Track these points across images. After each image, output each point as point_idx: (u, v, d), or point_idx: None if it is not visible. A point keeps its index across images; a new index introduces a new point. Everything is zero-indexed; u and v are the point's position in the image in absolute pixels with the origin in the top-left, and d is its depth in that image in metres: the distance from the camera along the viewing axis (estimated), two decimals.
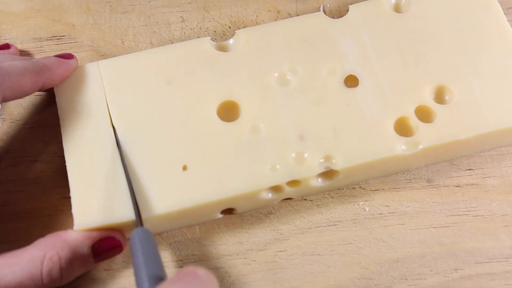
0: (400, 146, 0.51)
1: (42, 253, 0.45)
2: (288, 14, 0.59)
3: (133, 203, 0.48)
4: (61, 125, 0.51)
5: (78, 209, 0.48)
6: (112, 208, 0.48)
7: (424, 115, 0.52)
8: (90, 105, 0.52)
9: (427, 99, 0.53)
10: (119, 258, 0.50)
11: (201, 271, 0.41)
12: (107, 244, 0.48)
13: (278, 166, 0.50)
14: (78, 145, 0.51)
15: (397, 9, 0.56)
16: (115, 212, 0.48)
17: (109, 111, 0.52)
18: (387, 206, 0.53)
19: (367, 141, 0.51)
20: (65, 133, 0.51)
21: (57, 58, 0.53)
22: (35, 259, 0.45)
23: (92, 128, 0.51)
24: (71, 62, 0.53)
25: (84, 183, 0.49)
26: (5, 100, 0.49)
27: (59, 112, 0.52)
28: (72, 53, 0.54)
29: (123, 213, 0.48)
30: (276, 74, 0.53)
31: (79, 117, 0.51)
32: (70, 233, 0.47)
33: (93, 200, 0.49)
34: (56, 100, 0.52)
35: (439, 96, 0.53)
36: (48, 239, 0.47)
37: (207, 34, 0.59)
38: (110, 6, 0.60)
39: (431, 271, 0.50)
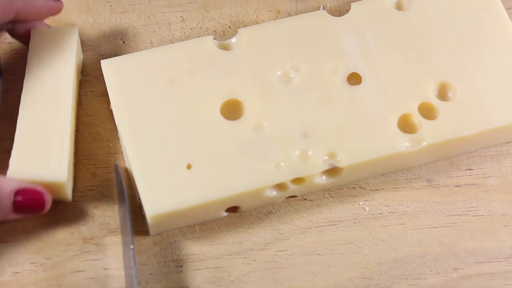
0: (403, 143, 0.51)
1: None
2: (288, 14, 0.59)
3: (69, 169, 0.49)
4: (26, 72, 0.52)
5: (16, 160, 0.49)
6: (48, 167, 0.49)
7: (427, 112, 0.52)
8: (59, 59, 0.52)
9: (430, 96, 0.53)
10: (118, 258, 0.50)
11: None
12: (30, 194, 0.48)
13: (282, 164, 0.50)
14: (36, 99, 0.51)
15: (399, 6, 0.56)
16: (49, 171, 0.49)
17: (112, 110, 0.52)
18: (387, 206, 0.53)
19: (371, 138, 0.51)
20: (27, 83, 0.51)
21: None
22: None
23: (53, 85, 0.51)
24: (52, 1, 0.52)
25: (30, 137, 0.50)
26: None
27: (29, 57, 0.52)
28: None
29: (56, 174, 0.49)
30: (279, 72, 0.53)
31: (45, 70, 0.52)
32: (2, 177, 0.48)
33: (33, 154, 0.49)
34: (30, 43, 0.53)
35: (442, 93, 0.53)
36: None
37: (207, 34, 0.59)
38: (110, 6, 0.60)
39: (431, 271, 0.50)
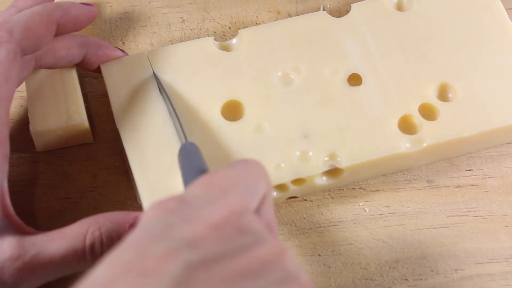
0: (404, 144, 0.51)
1: (85, 228, 0.45)
2: (288, 14, 0.59)
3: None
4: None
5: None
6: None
7: (427, 113, 0.52)
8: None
9: (431, 97, 0.53)
10: None
11: (251, 159, 0.41)
12: None
13: (282, 165, 0.50)
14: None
15: (399, 7, 0.56)
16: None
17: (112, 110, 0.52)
18: (387, 206, 0.53)
19: (371, 139, 0.51)
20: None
21: (72, 1, 0.52)
22: (78, 234, 0.45)
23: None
24: (87, 7, 0.52)
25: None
26: (28, 52, 0.48)
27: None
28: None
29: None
30: (279, 73, 0.53)
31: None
32: (114, 213, 0.46)
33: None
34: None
35: (443, 94, 0.53)
36: (91, 217, 0.46)
37: (207, 34, 0.59)
38: (110, 6, 0.60)
39: (432, 271, 0.50)
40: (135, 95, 0.52)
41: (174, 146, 0.50)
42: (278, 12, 0.60)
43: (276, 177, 0.50)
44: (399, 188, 0.53)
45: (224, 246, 0.35)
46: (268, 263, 0.36)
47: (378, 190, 0.53)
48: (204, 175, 0.40)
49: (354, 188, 0.53)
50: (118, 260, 0.34)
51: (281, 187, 0.50)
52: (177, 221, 0.36)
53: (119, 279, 0.33)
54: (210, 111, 0.52)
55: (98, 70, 0.53)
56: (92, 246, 0.44)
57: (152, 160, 0.50)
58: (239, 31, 0.55)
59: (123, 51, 0.54)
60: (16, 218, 0.45)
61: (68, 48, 0.51)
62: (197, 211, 0.37)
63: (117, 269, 0.33)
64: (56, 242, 0.44)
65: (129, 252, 0.34)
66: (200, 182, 0.40)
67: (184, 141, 0.49)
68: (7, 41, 0.47)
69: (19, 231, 0.45)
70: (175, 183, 0.49)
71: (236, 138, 0.51)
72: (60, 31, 0.50)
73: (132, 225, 0.46)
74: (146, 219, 0.37)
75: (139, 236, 0.35)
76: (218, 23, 0.59)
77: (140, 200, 0.50)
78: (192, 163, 0.45)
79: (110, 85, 0.52)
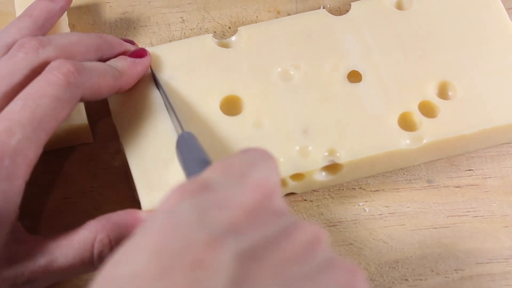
0: (404, 141, 0.51)
1: (93, 235, 0.45)
2: (288, 14, 0.59)
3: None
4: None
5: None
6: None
7: (427, 110, 0.52)
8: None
9: (431, 95, 0.53)
10: None
11: (260, 147, 0.40)
12: None
13: (282, 159, 0.50)
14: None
15: (399, 6, 0.56)
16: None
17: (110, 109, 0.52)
18: (387, 206, 0.53)
19: (371, 135, 0.51)
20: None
21: (132, 59, 0.51)
22: (86, 241, 0.45)
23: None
24: (145, 61, 0.52)
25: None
26: (82, 100, 0.48)
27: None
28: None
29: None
30: (279, 69, 0.53)
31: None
32: (120, 214, 0.46)
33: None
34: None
35: (443, 92, 0.53)
36: (98, 220, 0.46)
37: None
38: (110, 6, 0.60)
39: (432, 271, 0.50)
40: (135, 92, 0.52)
41: (172, 141, 0.50)
42: (278, 12, 0.60)
43: None
44: (399, 188, 0.53)
45: (264, 232, 0.34)
46: (310, 247, 0.35)
47: (378, 190, 0.53)
48: (218, 161, 0.39)
49: (354, 188, 0.53)
50: (161, 250, 0.32)
51: (280, 183, 0.50)
52: (208, 206, 0.35)
53: (171, 271, 0.31)
54: (209, 106, 0.52)
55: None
56: (101, 254, 0.45)
57: (150, 156, 0.50)
58: (238, 28, 0.55)
59: (133, 42, 0.54)
60: (24, 235, 0.45)
61: (85, 53, 0.51)
62: (225, 195, 0.36)
63: (165, 260, 0.32)
64: (64, 251, 0.44)
65: (171, 241, 0.33)
66: (216, 167, 0.38)
67: (180, 131, 0.48)
68: (77, 85, 0.46)
69: (22, 239, 0.45)
70: (174, 179, 0.49)
71: (235, 133, 0.51)
72: (118, 91, 0.50)
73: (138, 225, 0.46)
74: (172, 204, 0.35)
75: (172, 222, 0.34)
76: (218, 23, 0.59)
77: (138, 198, 0.50)
78: (193, 153, 0.45)
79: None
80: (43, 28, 0.51)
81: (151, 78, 0.53)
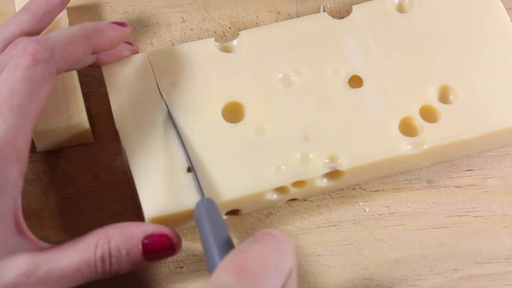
0: (405, 146, 0.51)
1: (96, 240, 0.45)
2: (288, 14, 0.59)
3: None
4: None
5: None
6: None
7: (428, 115, 0.52)
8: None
9: (432, 99, 0.53)
10: None
11: (277, 231, 0.41)
12: (158, 241, 0.46)
13: (283, 167, 0.50)
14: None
15: (400, 9, 0.56)
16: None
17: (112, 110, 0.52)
18: (387, 206, 0.53)
19: (372, 141, 0.51)
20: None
21: (108, 22, 0.51)
22: (89, 246, 0.45)
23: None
24: (123, 28, 0.51)
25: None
26: (61, 72, 0.47)
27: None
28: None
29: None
30: (280, 75, 0.53)
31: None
32: (124, 224, 0.46)
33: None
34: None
35: (444, 96, 0.53)
36: (102, 228, 0.46)
37: (207, 34, 0.59)
38: (110, 6, 0.60)
39: (431, 271, 0.50)
40: (136, 95, 0.52)
41: (176, 147, 0.50)
42: (278, 12, 0.60)
43: (277, 180, 0.50)
44: (399, 188, 0.53)
45: None
46: None
47: (378, 190, 0.53)
48: (232, 256, 0.40)
49: (354, 188, 0.53)
50: None
51: (281, 190, 0.50)
52: None
53: None
54: (211, 113, 0.52)
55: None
56: (102, 258, 0.45)
57: (153, 162, 0.50)
58: (240, 32, 0.55)
59: (131, 44, 0.54)
60: (29, 234, 0.45)
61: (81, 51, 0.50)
62: None
63: None
64: (69, 255, 0.44)
65: None
66: (230, 267, 0.39)
67: (201, 196, 0.48)
68: (46, 60, 0.46)
69: (32, 246, 0.45)
70: (175, 186, 0.49)
71: (237, 140, 0.51)
72: (94, 52, 0.50)
73: (141, 238, 0.46)
74: None
75: None
76: (218, 23, 0.59)
77: (139, 201, 0.50)
78: (216, 231, 0.44)
79: (110, 85, 0.52)
80: (43, 21, 0.51)
81: (155, 86, 0.53)
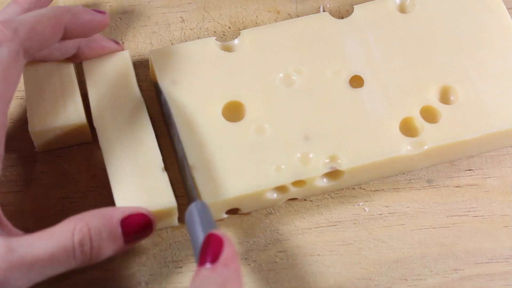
0: (405, 147, 0.51)
1: (72, 225, 0.44)
2: (288, 14, 0.59)
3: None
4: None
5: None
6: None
7: (429, 115, 0.52)
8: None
9: (432, 100, 0.53)
10: (118, 259, 0.50)
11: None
12: (136, 219, 0.46)
13: (283, 167, 0.50)
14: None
15: (402, 9, 0.56)
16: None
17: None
18: (387, 206, 0.53)
19: (372, 141, 0.51)
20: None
21: (83, 7, 0.51)
22: (66, 231, 0.44)
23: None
24: (99, 15, 0.51)
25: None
26: (31, 52, 0.47)
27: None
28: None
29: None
30: (281, 75, 0.53)
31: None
32: (100, 209, 0.46)
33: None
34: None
35: (444, 97, 0.53)
36: (76, 215, 0.45)
37: (207, 34, 0.59)
38: (110, 6, 0.60)
39: (431, 271, 0.50)
40: (114, 94, 0.52)
41: (151, 148, 0.50)
42: (278, 12, 0.60)
43: (277, 179, 0.50)
44: (399, 188, 0.53)
45: None
46: None
47: (378, 190, 0.53)
48: None
49: (354, 188, 0.53)
50: None
51: (281, 189, 0.50)
52: None
53: None
54: (212, 112, 0.52)
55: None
56: (81, 242, 0.44)
57: (127, 162, 0.50)
58: (241, 31, 0.55)
59: (117, 42, 0.54)
60: (3, 220, 0.45)
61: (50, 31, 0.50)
62: None
63: None
64: (43, 241, 0.44)
65: None
66: None
67: (195, 199, 0.48)
68: (10, 39, 0.46)
69: (5, 232, 0.44)
70: (150, 185, 0.49)
71: (237, 139, 0.51)
72: (67, 36, 0.50)
73: (120, 220, 0.46)
74: None
75: None
76: (218, 22, 0.59)
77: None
78: (205, 229, 0.45)
79: (90, 82, 0.53)
80: (29, 11, 0.51)
81: (135, 81, 0.53)
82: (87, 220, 0.45)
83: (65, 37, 0.50)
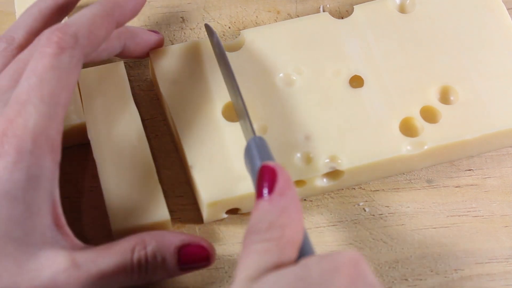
0: (405, 147, 0.51)
1: (132, 244, 0.44)
2: (288, 14, 0.59)
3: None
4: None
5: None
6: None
7: (429, 115, 0.52)
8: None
9: (432, 100, 0.53)
10: None
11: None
12: (194, 251, 0.46)
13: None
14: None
15: (402, 9, 0.56)
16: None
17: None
18: (387, 206, 0.53)
19: (372, 141, 0.51)
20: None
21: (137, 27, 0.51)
22: (126, 250, 0.44)
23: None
24: (155, 36, 0.52)
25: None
26: (88, 56, 0.46)
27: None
28: None
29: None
30: (281, 75, 0.53)
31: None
32: (160, 232, 0.46)
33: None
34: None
35: (444, 97, 0.53)
36: (137, 234, 0.45)
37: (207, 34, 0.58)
38: None
39: (431, 271, 0.50)
40: (109, 106, 0.52)
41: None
42: (278, 12, 0.60)
43: None
44: (398, 188, 0.53)
45: None
46: None
47: (378, 190, 0.53)
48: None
49: (354, 188, 0.53)
50: None
51: None
52: None
53: None
54: (212, 112, 0.52)
55: (140, 56, 0.54)
56: (138, 262, 0.44)
57: (122, 175, 0.50)
58: (241, 32, 0.55)
59: (157, 32, 0.54)
60: (67, 229, 0.45)
61: (107, 40, 0.50)
62: None
63: None
64: (106, 258, 0.43)
65: None
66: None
67: (252, 134, 0.48)
68: (72, 47, 0.45)
69: (68, 243, 0.44)
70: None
71: (238, 139, 0.51)
72: (123, 55, 0.50)
73: (178, 247, 0.45)
74: None
75: None
76: (218, 22, 0.59)
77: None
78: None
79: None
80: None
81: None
82: (146, 242, 0.45)
83: (120, 55, 0.51)
